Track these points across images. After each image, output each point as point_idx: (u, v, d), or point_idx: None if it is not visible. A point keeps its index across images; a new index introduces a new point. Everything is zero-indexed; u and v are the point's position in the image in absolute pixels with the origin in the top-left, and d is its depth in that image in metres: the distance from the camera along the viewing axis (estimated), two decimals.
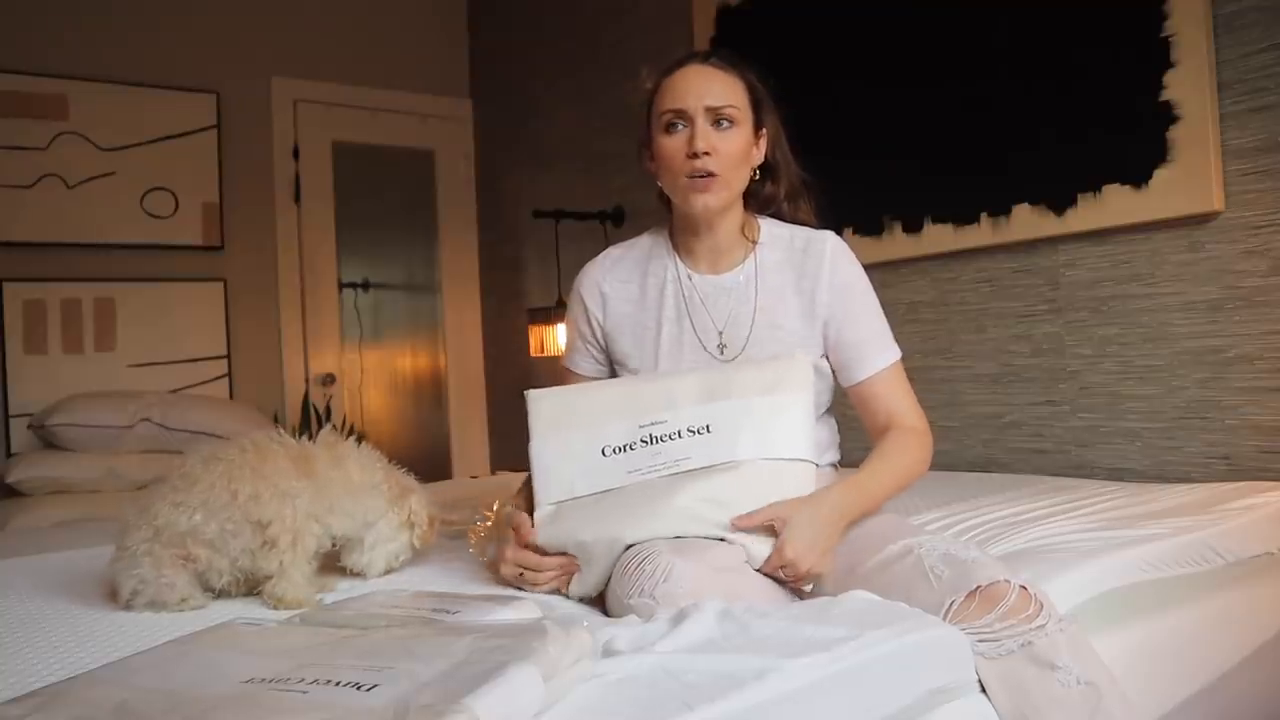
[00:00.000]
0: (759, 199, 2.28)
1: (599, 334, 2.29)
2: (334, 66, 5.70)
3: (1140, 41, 2.90)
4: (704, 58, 2.18)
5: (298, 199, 5.63)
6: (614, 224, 4.92)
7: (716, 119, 2.11)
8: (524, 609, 1.50)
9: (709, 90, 2.12)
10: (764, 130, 2.22)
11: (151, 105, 5.13)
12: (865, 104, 3.65)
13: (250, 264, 5.43)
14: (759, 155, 2.22)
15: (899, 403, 2.15)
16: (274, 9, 5.56)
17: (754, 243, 2.23)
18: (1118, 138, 2.97)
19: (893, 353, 2.17)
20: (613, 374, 2.30)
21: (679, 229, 2.28)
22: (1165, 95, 2.85)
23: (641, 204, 4.72)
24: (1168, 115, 2.85)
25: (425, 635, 1.31)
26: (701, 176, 2.10)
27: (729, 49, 2.23)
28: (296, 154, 5.63)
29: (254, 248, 5.46)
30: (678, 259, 2.27)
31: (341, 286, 5.89)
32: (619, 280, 2.31)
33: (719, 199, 2.13)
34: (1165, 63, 2.85)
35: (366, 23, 5.83)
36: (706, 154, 2.08)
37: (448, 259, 6.19)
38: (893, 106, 3.58)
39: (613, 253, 2.38)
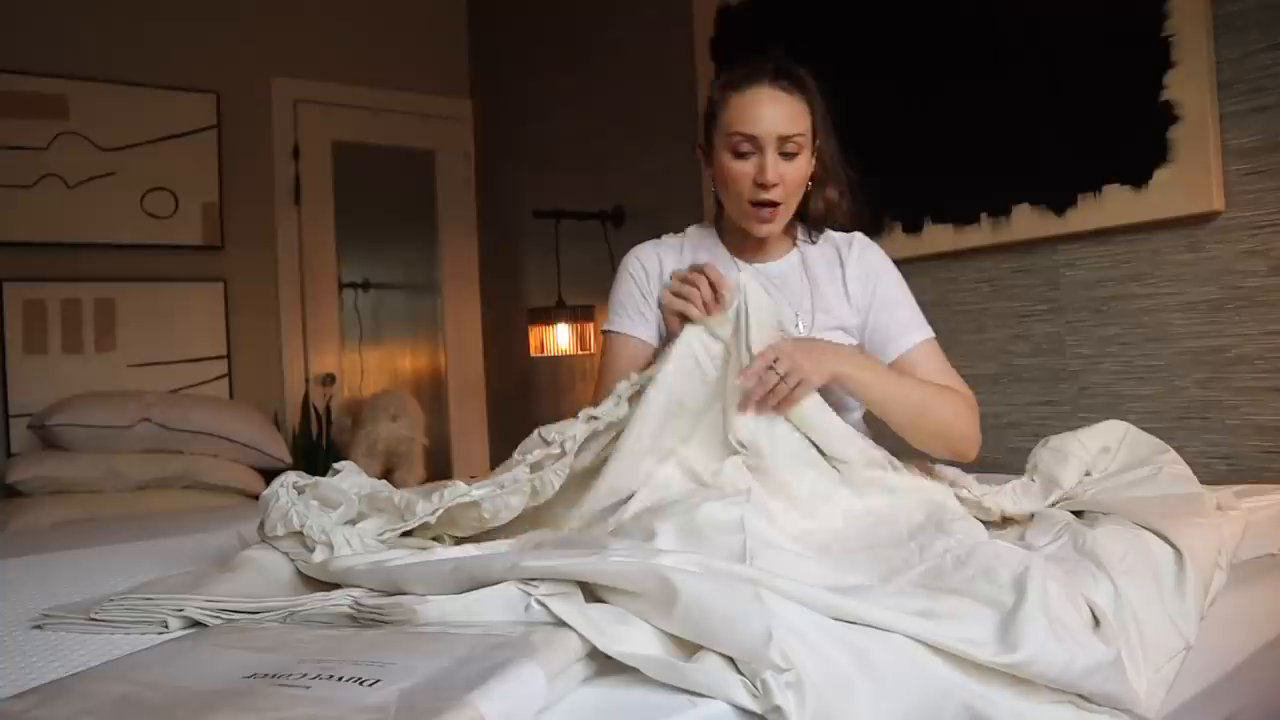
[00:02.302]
0: (815, 213, 2.38)
1: (654, 298, 2.34)
2: (334, 66, 5.70)
3: (1140, 41, 2.90)
4: (773, 77, 2.20)
5: (298, 199, 5.63)
6: (614, 224, 4.92)
7: (784, 150, 2.17)
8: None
9: (779, 119, 2.17)
10: (818, 144, 2.28)
11: (151, 105, 5.13)
12: (866, 103, 3.63)
13: (250, 264, 5.43)
14: (813, 168, 2.29)
15: (942, 375, 2.24)
16: (274, 9, 5.56)
17: (795, 239, 2.37)
18: (1118, 138, 2.97)
19: (927, 331, 2.28)
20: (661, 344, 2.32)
21: (729, 230, 2.37)
22: (1165, 95, 2.85)
23: (641, 204, 4.73)
24: (1168, 115, 2.85)
25: (426, 632, 1.30)
26: (767, 208, 2.19)
27: (781, 51, 2.25)
28: (297, 154, 5.63)
29: (254, 248, 5.46)
30: (727, 251, 2.36)
31: (342, 286, 5.90)
32: (672, 257, 2.38)
33: (780, 226, 2.25)
34: (1165, 63, 2.85)
35: (367, 23, 5.83)
36: (775, 185, 2.16)
37: (448, 259, 6.19)
38: (893, 106, 3.57)
39: (662, 238, 2.46)
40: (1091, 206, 3.05)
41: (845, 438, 2.03)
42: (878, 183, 3.53)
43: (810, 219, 2.38)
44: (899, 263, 3.52)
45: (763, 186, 2.17)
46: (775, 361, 1.95)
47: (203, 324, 5.27)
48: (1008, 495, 2.08)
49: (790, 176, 2.19)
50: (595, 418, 2.00)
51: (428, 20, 6.09)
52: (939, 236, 3.47)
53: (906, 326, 2.28)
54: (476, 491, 1.90)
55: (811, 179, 2.30)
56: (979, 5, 3.31)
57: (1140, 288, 3.00)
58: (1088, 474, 2.22)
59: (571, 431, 1.98)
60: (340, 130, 5.80)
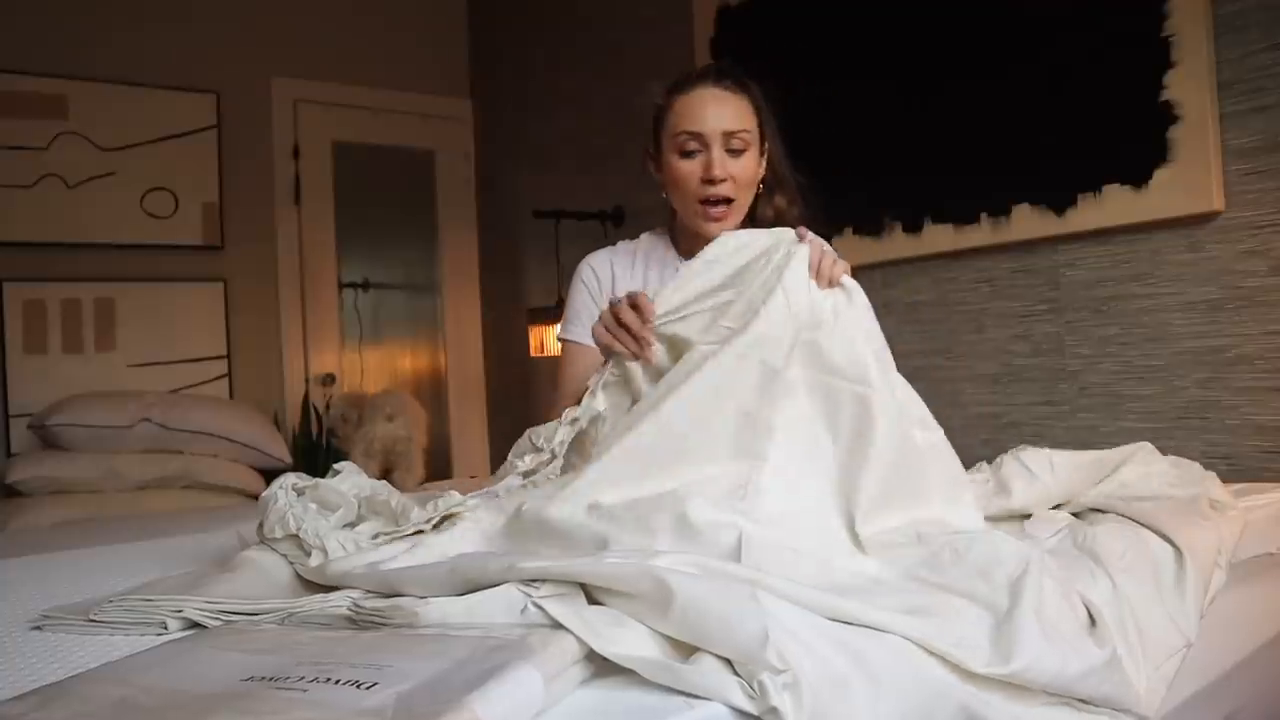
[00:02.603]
0: (763, 219, 2.33)
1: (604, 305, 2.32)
2: (334, 66, 5.69)
3: (1141, 41, 2.90)
4: (715, 77, 2.24)
5: (298, 199, 5.63)
6: (614, 224, 4.91)
7: (730, 146, 2.19)
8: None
9: (724, 116, 2.19)
10: (766, 146, 2.29)
11: (151, 105, 5.13)
12: (866, 104, 3.65)
13: (250, 264, 5.43)
14: (762, 170, 2.29)
15: None
16: (274, 9, 5.55)
17: None
18: (1118, 137, 2.97)
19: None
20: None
21: (682, 233, 2.37)
22: (1165, 95, 2.86)
23: (641, 204, 4.72)
24: (1168, 115, 2.85)
25: (424, 634, 1.30)
26: (716, 204, 2.19)
27: (730, 59, 2.29)
28: (297, 154, 5.63)
29: (254, 248, 5.45)
30: (679, 258, 2.36)
31: (342, 286, 5.90)
32: (624, 265, 2.40)
33: (732, 224, 2.23)
34: (1165, 63, 2.85)
35: (367, 23, 5.82)
36: (724, 180, 2.18)
37: (448, 259, 6.19)
38: (893, 106, 3.58)
39: (618, 245, 2.48)
40: (1091, 206, 3.05)
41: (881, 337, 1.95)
42: (878, 183, 3.59)
43: (759, 226, 2.32)
44: (900, 263, 3.59)
45: (710, 182, 2.19)
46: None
47: (203, 324, 5.26)
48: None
49: (738, 173, 2.21)
50: (576, 419, 1.98)
51: (427, 20, 6.09)
52: (939, 236, 3.46)
53: None
54: (472, 501, 1.88)
55: (761, 184, 2.31)
56: (979, 5, 3.31)
57: (1140, 288, 3.00)
58: (1057, 507, 2.17)
59: (559, 436, 1.97)
60: (340, 130, 5.80)
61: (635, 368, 1.97)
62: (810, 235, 1.94)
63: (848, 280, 1.90)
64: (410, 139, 6.06)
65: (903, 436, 1.77)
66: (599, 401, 2.01)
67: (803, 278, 1.87)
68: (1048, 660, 1.32)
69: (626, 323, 1.94)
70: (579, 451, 2.00)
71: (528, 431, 2.04)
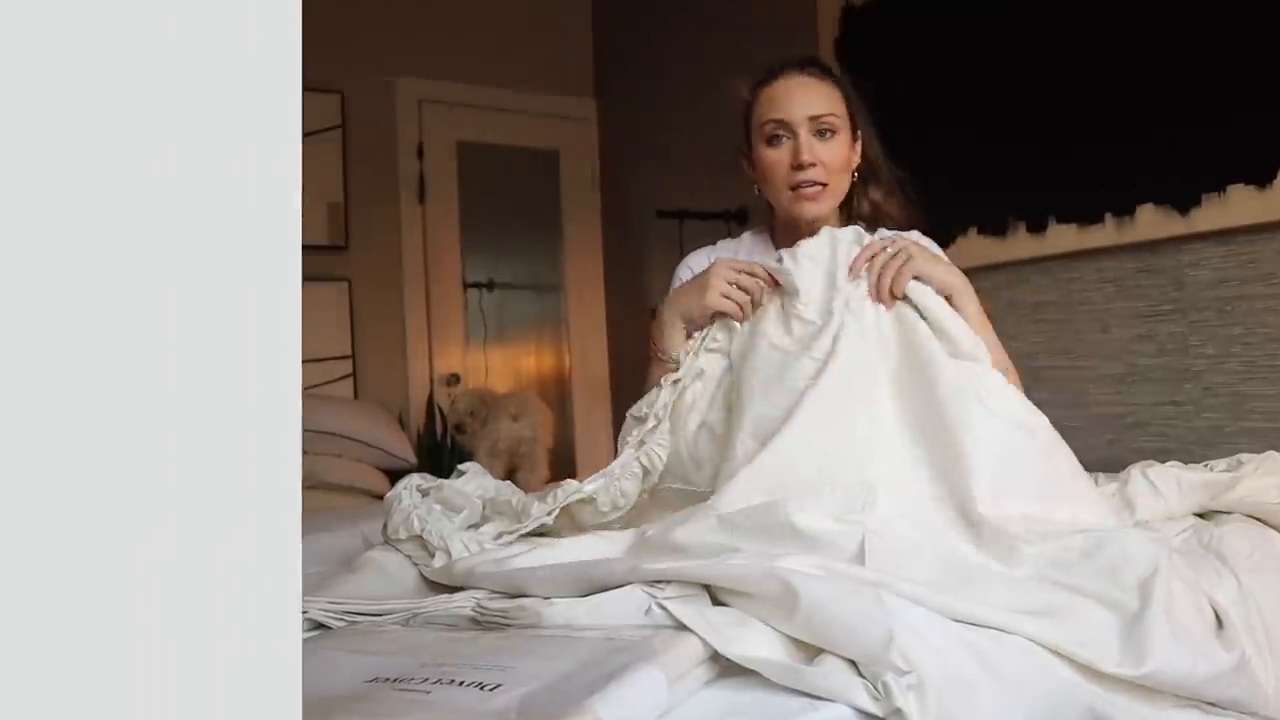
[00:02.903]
0: (860, 215, 2.30)
1: None
2: (459, 66, 5.72)
3: (1267, 40, 2.84)
4: (800, 66, 2.21)
5: (422, 199, 5.66)
6: (738, 224, 4.86)
7: (818, 129, 2.14)
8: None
9: (810, 100, 2.16)
10: (858, 135, 2.25)
11: None
12: (990, 104, 3.62)
13: (374, 264, 5.47)
14: (856, 159, 2.25)
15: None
16: (399, 9, 5.59)
17: None
18: (1243, 137, 2.91)
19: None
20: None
21: (781, 230, 2.33)
22: None
23: (764, 204, 4.68)
24: None
25: (548, 635, 1.31)
26: (810, 186, 2.14)
27: (856, 60, 2.24)
28: (421, 154, 5.66)
29: (378, 247, 5.49)
30: (775, 250, 2.29)
31: (466, 286, 5.92)
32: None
33: (827, 206, 2.19)
34: None
35: (491, 23, 5.84)
36: (813, 165, 2.12)
37: (572, 258, 6.20)
38: (1018, 106, 3.54)
39: (718, 243, 2.49)
40: (1216, 206, 3.00)
41: (968, 335, 1.92)
42: (1003, 183, 3.55)
43: (857, 221, 2.29)
44: (1023, 263, 3.56)
45: (799, 168, 2.14)
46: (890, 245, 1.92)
47: (327, 324, 5.30)
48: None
49: (828, 158, 2.15)
50: (678, 380, 2.00)
51: (552, 20, 6.10)
52: (1063, 236, 3.43)
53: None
54: (589, 486, 1.90)
55: (856, 174, 2.27)
56: (1109, 13, 3.26)
57: (1264, 288, 2.95)
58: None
59: (661, 399, 1.99)
60: (465, 130, 5.82)
61: (738, 335, 2.01)
62: (884, 241, 1.94)
63: (914, 286, 1.90)
64: (534, 139, 6.07)
65: (1006, 431, 1.76)
66: (702, 361, 2.03)
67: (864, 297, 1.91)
68: (1178, 663, 1.30)
69: (746, 286, 2.00)
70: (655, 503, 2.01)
71: (628, 413, 2.06)
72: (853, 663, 1.20)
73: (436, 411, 5.53)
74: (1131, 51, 3.20)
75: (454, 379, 5.74)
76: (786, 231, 2.28)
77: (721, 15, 5.12)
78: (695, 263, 2.43)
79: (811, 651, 1.26)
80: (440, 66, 5.68)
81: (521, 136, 6.02)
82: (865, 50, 4.04)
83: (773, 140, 2.18)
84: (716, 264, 2.07)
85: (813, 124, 2.14)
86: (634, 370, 5.82)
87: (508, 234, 6.22)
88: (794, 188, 2.16)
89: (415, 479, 2.01)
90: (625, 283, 6.01)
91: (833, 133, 2.16)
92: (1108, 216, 3.28)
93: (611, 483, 1.91)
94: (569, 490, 1.89)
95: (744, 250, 2.40)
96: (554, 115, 6.09)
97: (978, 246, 3.60)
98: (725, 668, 1.24)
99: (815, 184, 2.15)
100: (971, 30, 3.71)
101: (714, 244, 2.50)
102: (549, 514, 1.86)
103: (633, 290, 5.88)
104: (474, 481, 2.07)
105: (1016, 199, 3.54)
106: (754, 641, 1.26)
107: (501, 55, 5.85)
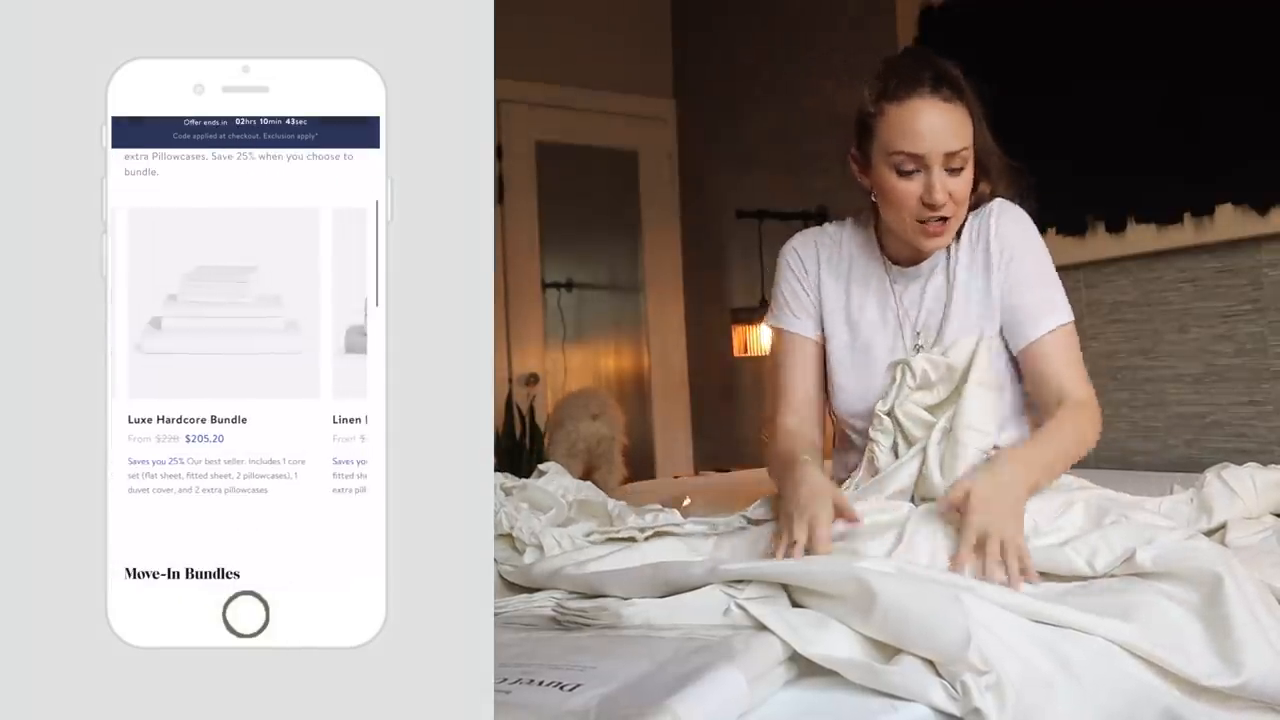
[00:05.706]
0: (971, 205, 2.23)
1: (815, 287, 2.31)
2: (537, 66, 5.72)
3: None
4: (933, 86, 2.08)
5: (501, 199, 5.68)
6: (817, 224, 4.83)
7: (950, 165, 2.06)
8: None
9: (946, 134, 2.05)
10: (977, 145, 2.16)
11: None
12: (1068, 103, 3.60)
13: None
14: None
15: (1070, 373, 2.09)
16: None
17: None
18: None
19: (1060, 316, 2.14)
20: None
21: (888, 234, 2.27)
22: None
23: (845, 205, 4.64)
24: None
25: (628, 635, 1.31)
26: (937, 222, 2.08)
27: (953, 63, 2.16)
28: (500, 154, 5.68)
29: None
30: (884, 263, 2.29)
31: (545, 286, 5.93)
32: (829, 254, 2.34)
33: (950, 238, 2.15)
34: None
35: (570, 23, 5.85)
36: (944, 204, 2.06)
37: (650, 259, 6.19)
38: (1097, 105, 3.52)
39: (826, 227, 2.43)
40: None
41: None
42: (1081, 182, 3.54)
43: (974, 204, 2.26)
44: (1103, 263, 3.55)
45: (931, 207, 2.06)
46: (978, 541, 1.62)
47: None
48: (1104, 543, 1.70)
49: (957, 191, 2.07)
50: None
51: (631, 20, 6.10)
52: (1142, 236, 3.43)
53: (1037, 312, 2.13)
54: (689, 525, 1.89)
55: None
56: (1186, 5, 3.25)
57: None
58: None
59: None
60: (543, 130, 5.83)
61: None
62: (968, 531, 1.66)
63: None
64: (613, 139, 6.07)
65: None
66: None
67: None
68: (1277, 677, 1.30)
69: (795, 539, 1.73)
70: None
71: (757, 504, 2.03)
72: (931, 663, 1.21)
73: (515, 412, 5.55)
74: (1209, 50, 3.19)
75: (533, 379, 5.76)
76: (896, 241, 2.24)
77: (800, 15, 5.12)
78: (802, 246, 2.38)
79: (890, 652, 1.26)
80: (519, 67, 5.68)
81: (600, 137, 6.02)
82: (944, 50, 3.97)
83: (902, 171, 2.07)
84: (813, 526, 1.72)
85: (947, 159, 2.05)
86: (712, 370, 5.85)
87: (586, 234, 6.23)
88: (921, 221, 2.09)
89: (498, 478, 2.01)
90: (704, 283, 6.01)
91: (964, 165, 2.08)
92: (1186, 216, 3.28)
93: (711, 532, 1.89)
94: (670, 519, 1.90)
95: (846, 247, 2.34)
96: (633, 115, 6.09)
97: (1057, 246, 3.49)
98: (804, 668, 1.24)
99: (943, 219, 2.09)
100: (1049, 29, 3.69)
101: (821, 227, 2.44)
102: (642, 531, 1.86)
103: (712, 290, 5.88)
104: (555, 482, 2.08)
105: (1095, 199, 3.53)
106: (832, 642, 1.26)
107: (580, 56, 5.86)
